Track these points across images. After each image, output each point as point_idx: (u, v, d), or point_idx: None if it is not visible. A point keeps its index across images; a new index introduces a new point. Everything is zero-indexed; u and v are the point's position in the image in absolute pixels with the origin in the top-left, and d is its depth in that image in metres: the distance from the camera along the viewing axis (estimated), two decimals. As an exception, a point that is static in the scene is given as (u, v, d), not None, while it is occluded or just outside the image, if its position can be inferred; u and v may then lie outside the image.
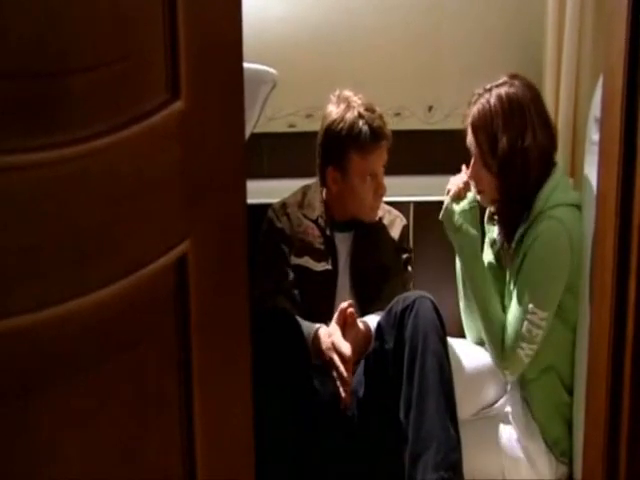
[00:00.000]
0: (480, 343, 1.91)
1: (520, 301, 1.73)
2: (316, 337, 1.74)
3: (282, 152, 2.33)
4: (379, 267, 1.92)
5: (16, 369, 0.67)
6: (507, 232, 1.81)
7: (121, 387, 0.75)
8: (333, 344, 1.70)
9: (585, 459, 1.31)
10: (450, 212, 1.83)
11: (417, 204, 2.16)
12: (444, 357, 1.65)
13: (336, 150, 1.87)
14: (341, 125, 1.84)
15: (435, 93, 2.35)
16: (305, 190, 1.99)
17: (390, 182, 1.91)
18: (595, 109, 1.60)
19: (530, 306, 1.71)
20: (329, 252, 1.90)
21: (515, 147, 1.73)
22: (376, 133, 1.84)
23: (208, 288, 0.82)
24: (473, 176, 1.81)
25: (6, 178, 0.64)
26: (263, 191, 2.01)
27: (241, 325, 0.87)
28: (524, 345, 1.73)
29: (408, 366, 1.64)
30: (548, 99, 2.02)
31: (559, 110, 2.11)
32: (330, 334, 1.73)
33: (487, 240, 1.92)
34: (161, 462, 0.81)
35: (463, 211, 1.82)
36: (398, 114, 2.34)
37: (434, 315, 1.66)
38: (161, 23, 0.74)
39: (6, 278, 0.65)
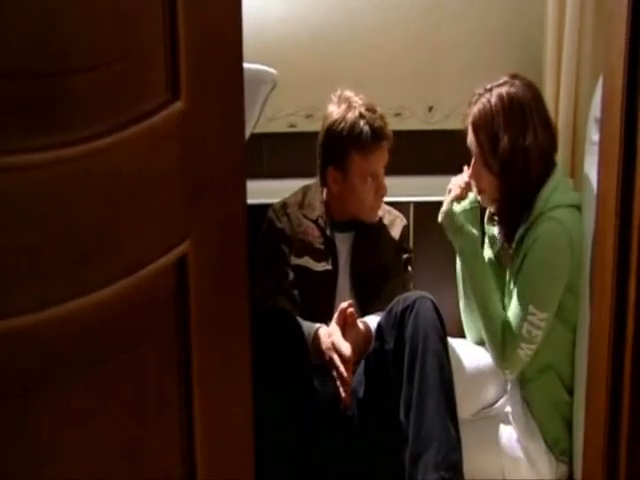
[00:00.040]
0: (480, 343, 1.91)
1: (520, 302, 1.73)
2: (316, 337, 1.74)
3: (282, 152, 2.33)
4: (379, 267, 1.92)
5: (16, 369, 0.67)
6: (507, 232, 1.81)
7: (121, 387, 0.75)
8: (333, 344, 1.70)
9: (585, 459, 1.31)
10: (451, 213, 1.83)
11: (417, 204, 2.16)
12: (444, 357, 1.65)
13: (337, 150, 1.87)
14: (342, 125, 1.84)
15: (435, 93, 2.34)
16: (305, 190, 1.99)
17: (390, 182, 1.91)
18: (595, 109, 1.60)
19: (530, 307, 1.71)
20: (329, 252, 1.90)
21: (516, 146, 1.73)
22: (377, 133, 1.84)
23: (208, 288, 0.82)
24: (474, 176, 1.81)
25: (6, 178, 0.64)
26: (263, 191, 2.01)
27: (241, 325, 0.87)
28: (524, 345, 1.73)
29: (408, 366, 1.64)
30: (548, 99, 2.01)
31: (559, 110, 2.10)
32: (330, 334, 1.73)
33: (487, 239, 1.92)
34: (161, 462, 0.81)
35: (464, 211, 1.82)
36: (398, 114, 2.34)
37: (434, 315, 1.66)
38: (161, 23, 0.74)
39: (6, 278, 0.65)
